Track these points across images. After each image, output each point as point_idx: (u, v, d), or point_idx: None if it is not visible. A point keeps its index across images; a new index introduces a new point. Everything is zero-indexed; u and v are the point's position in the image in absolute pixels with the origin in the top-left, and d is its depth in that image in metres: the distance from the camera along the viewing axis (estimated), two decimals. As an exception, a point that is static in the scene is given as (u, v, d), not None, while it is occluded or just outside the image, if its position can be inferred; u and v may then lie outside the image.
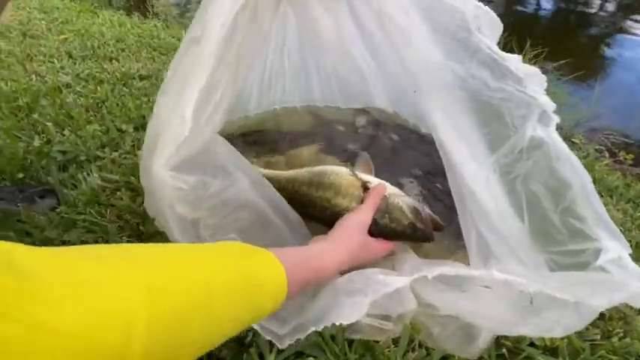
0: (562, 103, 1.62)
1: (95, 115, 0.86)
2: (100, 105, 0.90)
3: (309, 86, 0.62)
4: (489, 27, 0.35)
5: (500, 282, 0.31)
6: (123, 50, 1.28)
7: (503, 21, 0.37)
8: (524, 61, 0.35)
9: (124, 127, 0.81)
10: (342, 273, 0.37)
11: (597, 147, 1.42)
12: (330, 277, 0.35)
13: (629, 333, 0.50)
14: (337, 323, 0.30)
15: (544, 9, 3.23)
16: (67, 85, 0.98)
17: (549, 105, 0.33)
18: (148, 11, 2.02)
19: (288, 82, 0.61)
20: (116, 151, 0.74)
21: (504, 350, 0.43)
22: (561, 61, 1.78)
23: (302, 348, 0.39)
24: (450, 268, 0.32)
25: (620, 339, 0.48)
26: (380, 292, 0.30)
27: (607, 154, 1.38)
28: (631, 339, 0.48)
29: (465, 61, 0.35)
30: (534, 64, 1.56)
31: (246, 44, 0.37)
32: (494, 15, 0.36)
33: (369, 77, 0.61)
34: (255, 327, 0.33)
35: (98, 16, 1.62)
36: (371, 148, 0.58)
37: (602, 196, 0.85)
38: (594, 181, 0.77)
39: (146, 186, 0.38)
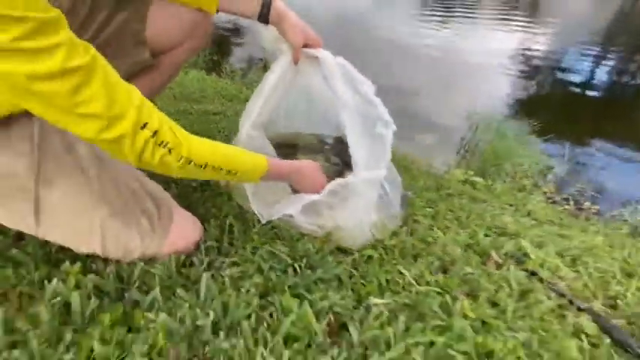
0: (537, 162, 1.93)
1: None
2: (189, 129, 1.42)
3: (313, 118, 1.03)
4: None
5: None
6: (204, 97, 1.88)
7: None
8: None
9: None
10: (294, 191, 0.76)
11: (565, 196, 1.69)
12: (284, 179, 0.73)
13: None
14: (287, 212, 0.69)
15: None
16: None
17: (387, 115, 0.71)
18: (222, 72, 2.76)
19: (299, 115, 1.02)
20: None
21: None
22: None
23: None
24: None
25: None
26: (305, 201, 0.69)
27: (572, 203, 1.63)
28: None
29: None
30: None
31: (281, 88, 0.81)
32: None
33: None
34: (253, 209, 0.71)
35: (188, 74, 2.29)
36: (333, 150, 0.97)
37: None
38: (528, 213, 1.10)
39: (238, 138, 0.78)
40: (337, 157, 0.98)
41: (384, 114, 0.69)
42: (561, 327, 0.60)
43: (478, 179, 1.53)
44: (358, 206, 0.69)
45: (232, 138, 0.80)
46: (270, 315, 0.51)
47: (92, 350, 0.42)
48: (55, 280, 0.49)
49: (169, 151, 0.48)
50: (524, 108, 2.93)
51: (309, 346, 0.47)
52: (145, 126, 0.44)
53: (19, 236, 0.58)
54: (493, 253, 0.79)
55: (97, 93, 0.39)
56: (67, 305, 0.47)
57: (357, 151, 0.70)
